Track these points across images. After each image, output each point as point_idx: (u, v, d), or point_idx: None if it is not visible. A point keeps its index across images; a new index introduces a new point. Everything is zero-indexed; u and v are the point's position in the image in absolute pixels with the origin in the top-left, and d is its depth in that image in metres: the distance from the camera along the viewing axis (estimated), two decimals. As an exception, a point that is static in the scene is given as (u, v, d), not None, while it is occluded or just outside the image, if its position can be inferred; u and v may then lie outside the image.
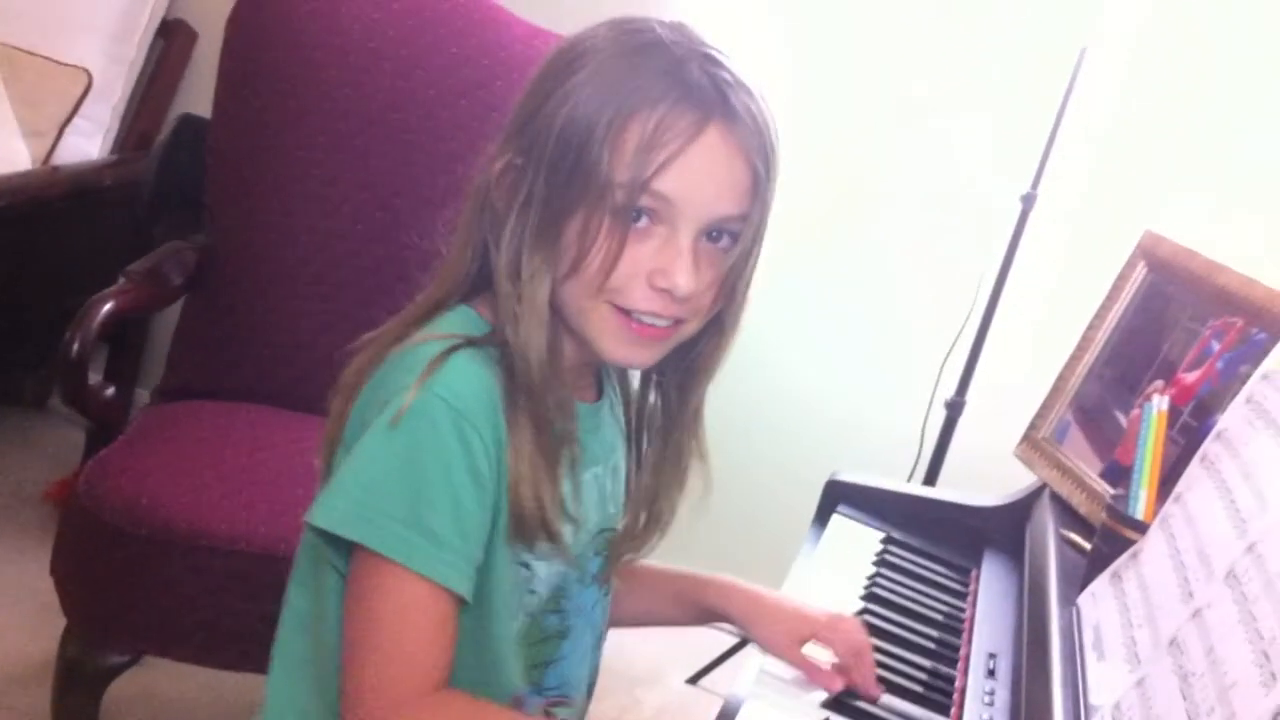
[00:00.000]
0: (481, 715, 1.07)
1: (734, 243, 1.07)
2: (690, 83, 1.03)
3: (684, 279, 1.04)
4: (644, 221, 1.04)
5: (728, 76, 1.05)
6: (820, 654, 1.25)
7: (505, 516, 1.05)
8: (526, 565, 1.10)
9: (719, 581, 1.31)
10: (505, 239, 1.06)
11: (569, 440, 1.09)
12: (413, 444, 1.00)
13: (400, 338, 1.08)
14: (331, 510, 1.02)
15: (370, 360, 1.09)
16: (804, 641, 1.25)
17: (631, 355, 1.10)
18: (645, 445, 1.24)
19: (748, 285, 1.12)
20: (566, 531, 1.10)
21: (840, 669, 1.23)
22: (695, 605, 1.32)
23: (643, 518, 1.21)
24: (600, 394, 1.20)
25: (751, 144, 1.05)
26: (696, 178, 1.03)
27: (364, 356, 1.10)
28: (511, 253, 1.05)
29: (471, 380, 1.03)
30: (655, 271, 1.04)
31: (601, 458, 1.18)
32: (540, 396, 1.05)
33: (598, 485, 1.18)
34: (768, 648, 1.26)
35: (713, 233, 1.06)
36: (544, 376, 1.05)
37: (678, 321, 1.08)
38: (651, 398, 1.22)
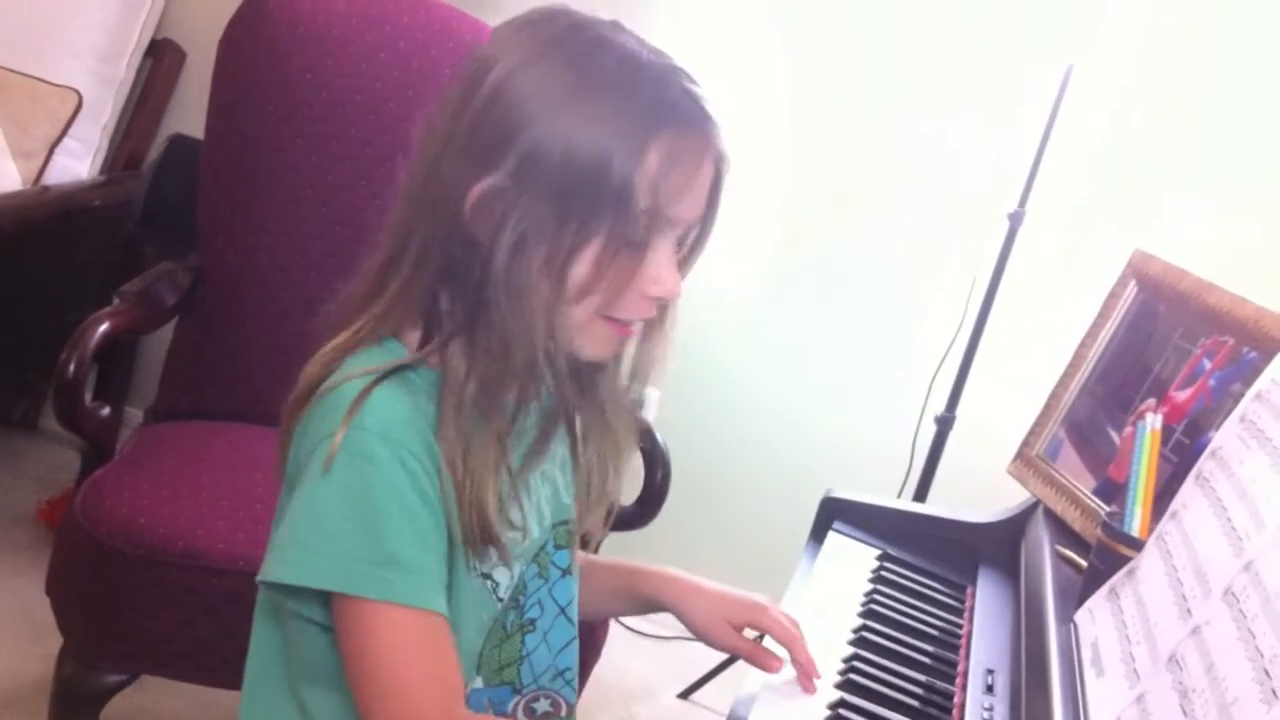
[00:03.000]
0: None
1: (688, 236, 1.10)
2: (678, 104, 1.03)
3: (677, 286, 1.07)
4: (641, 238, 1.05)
5: (696, 89, 1.06)
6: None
7: (457, 534, 1.04)
8: (488, 576, 1.10)
9: (652, 571, 1.32)
10: (498, 261, 1.01)
11: (535, 452, 1.11)
12: (359, 482, 1.00)
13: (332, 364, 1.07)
14: (297, 565, 1.01)
15: (300, 396, 1.08)
16: (737, 625, 1.27)
17: (607, 353, 1.12)
18: (578, 426, 1.22)
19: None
20: (513, 538, 1.10)
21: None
22: (634, 596, 1.33)
23: (592, 492, 1.23)
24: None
25: (722, 149, 1.07)
26: (697, 199, 1.06)
27: (304, 379, 1.09)
28: (502, 275, 1.02)
29: (398, 408, 1.03)
30: (651, 282, 1.05)
31: (548, 453, 1.19)
32: (494, 412, 1.05)
33: (548, 481, 1.18)
34: (701, 632, 1.29)
35: None
36: (515, 391, 1.07)
37: None
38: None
